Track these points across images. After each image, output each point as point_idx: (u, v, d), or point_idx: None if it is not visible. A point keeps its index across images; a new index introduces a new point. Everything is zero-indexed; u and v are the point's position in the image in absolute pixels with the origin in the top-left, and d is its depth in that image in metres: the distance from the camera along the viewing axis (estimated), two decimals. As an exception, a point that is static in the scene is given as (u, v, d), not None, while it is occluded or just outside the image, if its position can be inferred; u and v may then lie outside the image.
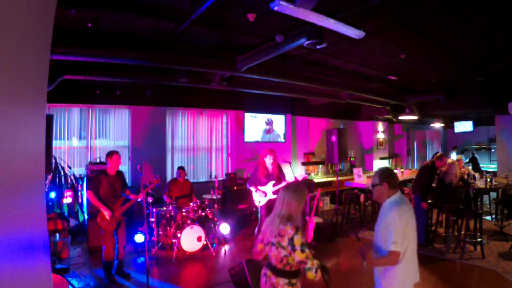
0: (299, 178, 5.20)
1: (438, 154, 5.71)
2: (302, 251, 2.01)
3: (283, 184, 5.17)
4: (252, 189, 5.21)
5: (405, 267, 2.13)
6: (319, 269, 2.02)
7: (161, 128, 7.28)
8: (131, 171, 6.85)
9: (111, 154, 4.22)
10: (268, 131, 9.01)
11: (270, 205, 5.22)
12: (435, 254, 5.13)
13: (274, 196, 5.19)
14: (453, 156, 11.03)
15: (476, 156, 12.32)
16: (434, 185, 5.85)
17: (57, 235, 5.00)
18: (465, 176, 6.60)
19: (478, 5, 3.61)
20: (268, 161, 5.13)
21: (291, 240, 2.03)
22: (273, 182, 5.16)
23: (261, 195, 5.12)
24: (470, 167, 11.51)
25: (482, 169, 11.23)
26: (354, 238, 6.06)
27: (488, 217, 7.04)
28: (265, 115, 8.93)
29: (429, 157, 13.70)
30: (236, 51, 5.14)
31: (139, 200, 4.28)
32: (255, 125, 8.76)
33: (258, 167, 5.22)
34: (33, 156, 1.33)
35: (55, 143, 5.93)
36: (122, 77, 5.73)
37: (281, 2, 2.96)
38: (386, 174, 2.28)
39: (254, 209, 5.48)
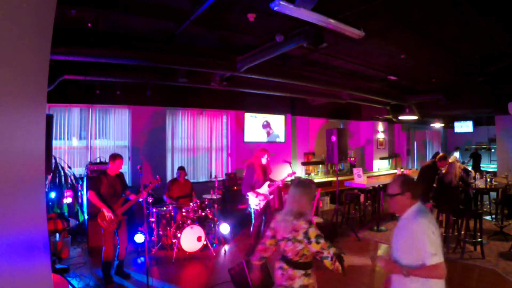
0: (293, 173, 5.22)
1: (440, 155, 5.73)
2: (317, 242, 2.13)
3: (276, 183, 5.13)
4: (250, 194, 5.03)
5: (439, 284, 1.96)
6: (335, 257, 2.12)
7: (161, 128, 7.27)
8: (131, 171, 6.85)
9: (114, 157, 4.21)
10: (267, 134, 9.00)
11: (266, 206, 5.13)
12: (435, 254, 5.12)
13: (271, 196, 5.15)
14: (455, 155, 11.07)
15: (480, 153, 12.37)
16: (434, 185, 5.85)
17: (57, 235, 5.00)
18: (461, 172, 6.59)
19: (478, 5, 3.62)
20: (265, 160, 5.10)
21: (306, 233, 2.15)
22: (267, 183, 5.10)
23: (261, 199, 4.98)
24: (471, 164, 11.54)
25: (482, 169, 11.23)
26: (354, 238, 6.06)
27: (488, 217, 7.04)
28: (264, 116, 8.92)
29: (429, 157, 13.71)
30: (236, 51, 5.14)
31: (139, 200, 4.28)
32: (255, 125, 8.75)
33: (255, 169, 5.04)
34: (33, 156, 1.33)
35: (55, 143, 5.92)
36: (122, 77, 5.73)
37: (281, 2, 2.96)
38: (408, 182, 2.05)
39: (249, 210, 5.36)
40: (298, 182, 2.39)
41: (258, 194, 4.99)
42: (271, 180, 5.19)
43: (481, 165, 12.12)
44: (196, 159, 7.91)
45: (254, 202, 5.05)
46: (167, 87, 6.80)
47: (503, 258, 4.86)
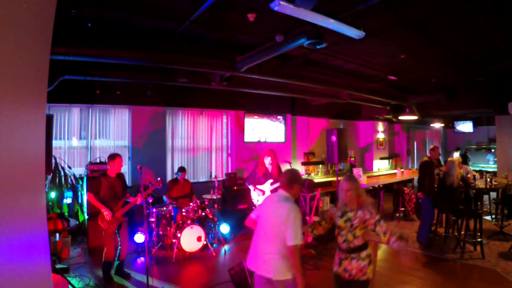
0: None
1: (431, 147, 5.78)
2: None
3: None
4: (251, 187, 5.35)
5: None
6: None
7: (161, 128, 7.27)
8: (131, 171, 6.85)
9: (114, 157, 4.18)
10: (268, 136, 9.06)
11: None
12: (435, 254, 5.13)
13: None
14: (455, 156, 11.07)
15: (468, 155, 12.50)
16: (435, 185, 5.86)
17: (57, 235, 5.00)
18: (464, 174, 6.59)
19: (478, 5, 3.62)
20: (267, 161, 5.23)
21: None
22: (271, 181, 5.23)
23: (259, 194, 5.23)
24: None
25: (482, 169, 11.24)
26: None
27: (488, 217, 7.03)
28: (265, 117, 8.94)
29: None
30: (236, 51, 5.14)
31: (138, 203, 4.27)
32: (255, 125, 8.76)
33: (258, 165, 5.34)
34: (33, 156, 1.33)
35: (55, 143, 5.92)
36: (122, 77, 5.73)
37: (281, 2, 2.96)
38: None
39: (253, 207, 5.52)
40: (351, 177, 2.69)
41: (255, 189, 5.27)
42: (275, 179, 5.28)
43: (470, 163, 12.25)
44: (196, 159, 7.91)
45: (253, 196, 5.36)
46: (167, 87, 6.80)
47: (503, 258, 4.86)
